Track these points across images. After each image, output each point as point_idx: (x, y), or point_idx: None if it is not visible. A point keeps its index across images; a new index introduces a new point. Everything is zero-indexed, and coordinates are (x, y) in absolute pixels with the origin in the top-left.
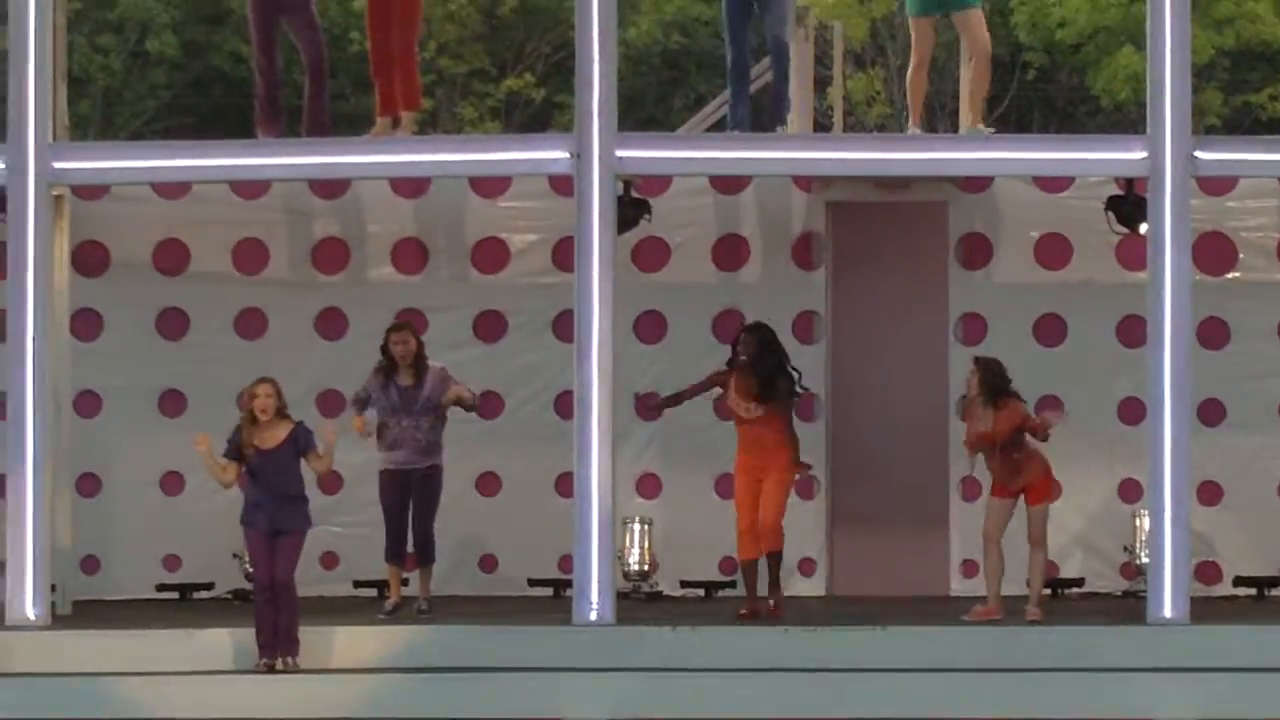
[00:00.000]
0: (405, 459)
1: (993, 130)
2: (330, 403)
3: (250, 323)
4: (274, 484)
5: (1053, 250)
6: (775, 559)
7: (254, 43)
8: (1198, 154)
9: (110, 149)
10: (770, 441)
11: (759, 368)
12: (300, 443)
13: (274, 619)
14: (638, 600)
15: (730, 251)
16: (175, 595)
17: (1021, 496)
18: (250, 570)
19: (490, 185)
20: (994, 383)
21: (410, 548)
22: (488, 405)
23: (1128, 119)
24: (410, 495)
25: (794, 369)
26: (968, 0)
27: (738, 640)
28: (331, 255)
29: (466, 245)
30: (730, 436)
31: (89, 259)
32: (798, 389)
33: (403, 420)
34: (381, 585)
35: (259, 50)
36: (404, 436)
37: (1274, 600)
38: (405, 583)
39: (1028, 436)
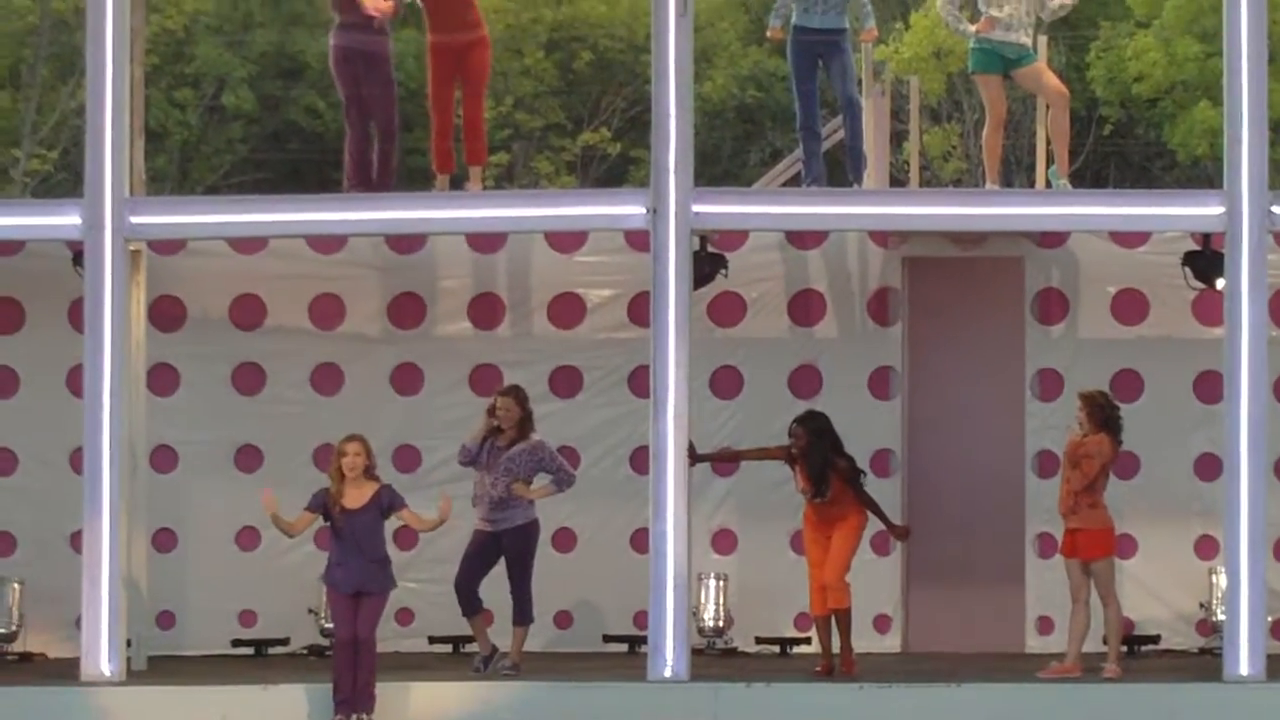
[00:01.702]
0: (483, 515)
1: (1068, 184)
2: (405, 458)
3: (326, 378)
4: (359, 546)
5: (1129, 305)
6: (843, 615)
7: (344, 100)
8: (1275, 209)
9: (187, 204)
10: (835, 515)
11: (810, 462)
12: (386, 504)
13: (352, 676)
14: (712, 656)
15: (806, 306)
16: (250, 650)
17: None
18: (326, 626)
19: (566, 240)
20: (1101, 414)
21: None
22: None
23: (1204, 174)
24: (486, 554)
25: (846, 457)
26: (1025, 56)
27: (812, 697)
28: (407, 310)
29: (542, 300)
30: None
31: (166, 314)
32: (860, 471)
33: (485, 478)
34: (457, 640)
35: (350, 106)
36: (483, 494)
37: None
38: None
39: (1102, 498)
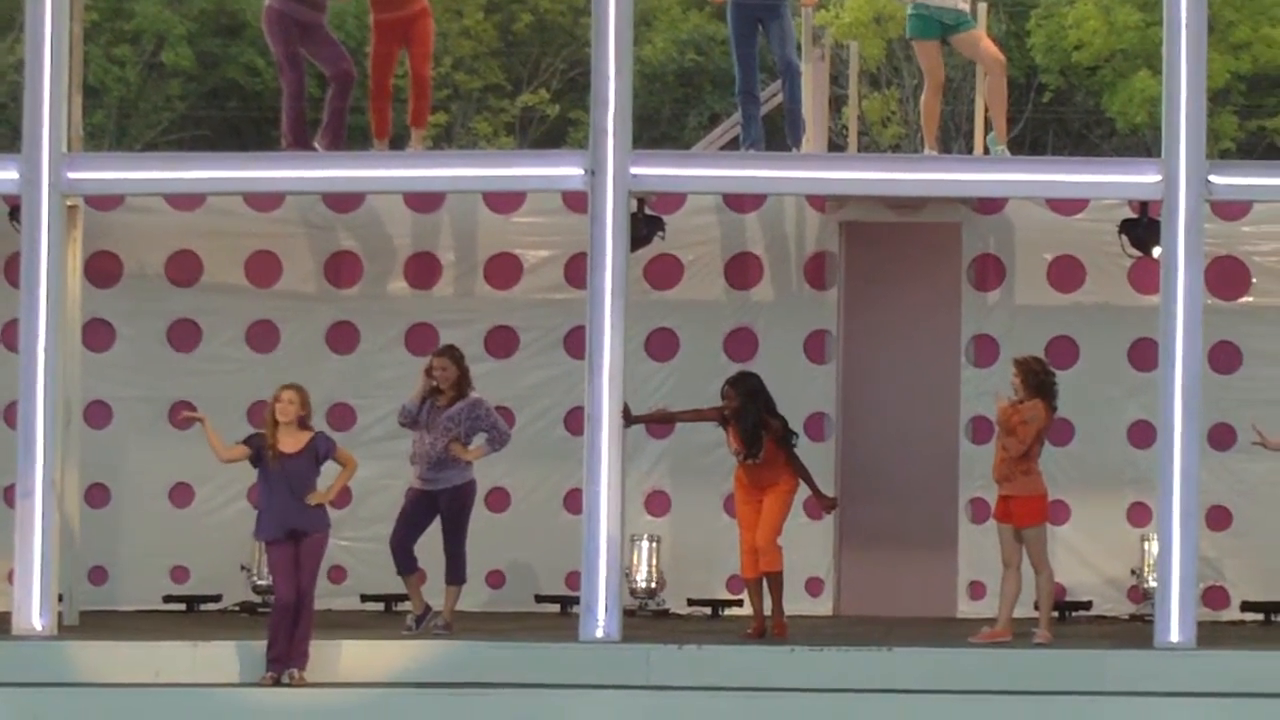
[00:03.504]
0: (422, 474)
1: (1006, 151)
2: (341, 416)
3: (262, 335)
4: (290, 488)
5: (1066, 273)
6: (774, 579)
7: (281, 66)
8: (1212, 178)
9: (124, 160)
10: (767, 479)
11: (741, 423)
12: (322, 451)
13: (289, 634)
14: (644, 617)
15: (742, 270)
16: (182, 607)
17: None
18: (259, 583)
19: (504, 201)
20: (1035, 379)
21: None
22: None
23: (1143, 142)
24: (422, 513)
25: (779, 417)
26: (962, 22)
27: (743, 659)
28: (345, 269)
29: (479, 260)
30: None
31: (102, 269)
32: (792, 432)
33: (425, 437)
34: (389, 599)
35: (285, 65)
36: (422, 453)
37: None
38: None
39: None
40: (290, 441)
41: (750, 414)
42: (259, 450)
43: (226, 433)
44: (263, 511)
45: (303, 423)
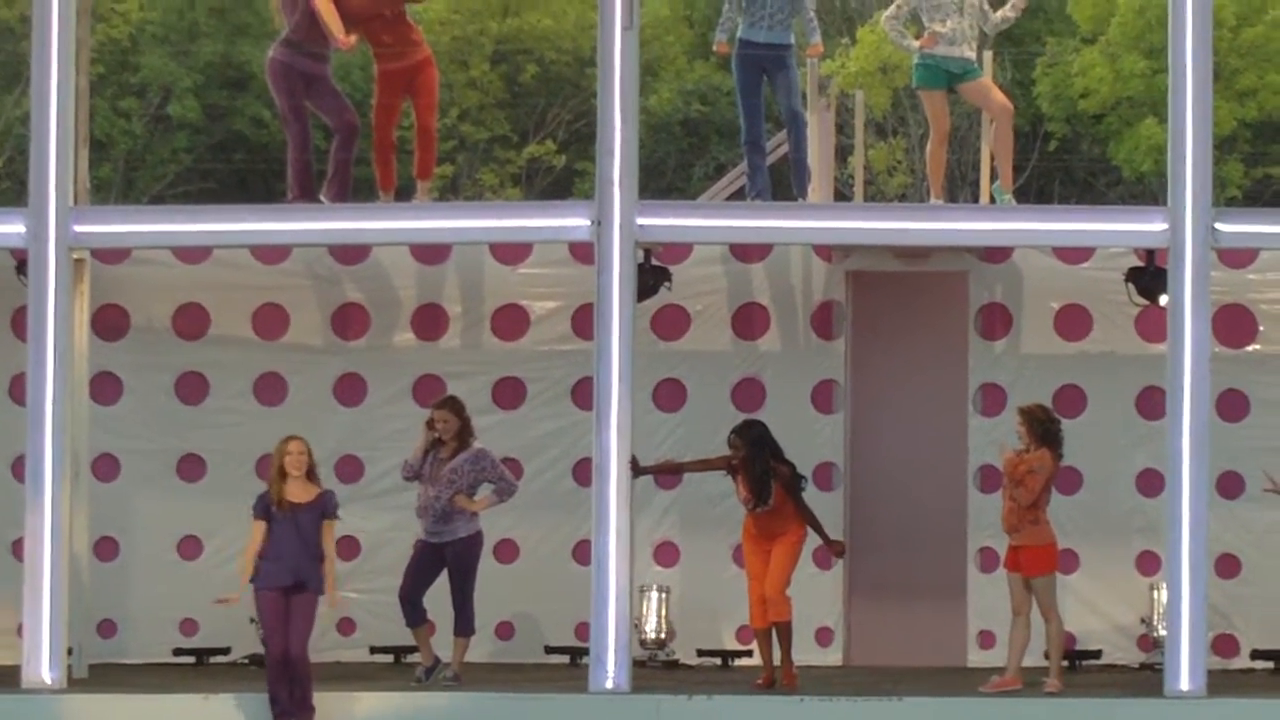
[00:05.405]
0: (428, 527)
1: (1012, 199)
2: (348, 468)
3: (270, 388)
4: (301, 537)
5: (1073, 321)
6: (784, 629)
7: (286, 118)
8: (1218, 226)
9: (131, 213)
10: (776, 528)
11: (750, 471)
12: (330, 507)
13: (288, 689)
14: (654, 668)
15: (749, 320)
16: (191, 659)
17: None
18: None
19: (510, 252)
20: (1041, 428)
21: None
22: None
23: (1149, 190)
24: (430, 565)
25: (787, 463)
26: (969, 71)
27: (753, 709)
28: (352, 321)
29: (486, 312)
30: None
31: (109, 322)
32: (801, 477)
33: (429, 490)
34: (399, 651)
35: (290, 117)
36: (426, 505)
37: None
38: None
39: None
40: (300, 492)
41: (758, 461)
42: (267, 509)
43: (234, 486)
44: (268, 561)
45: (310, 474)
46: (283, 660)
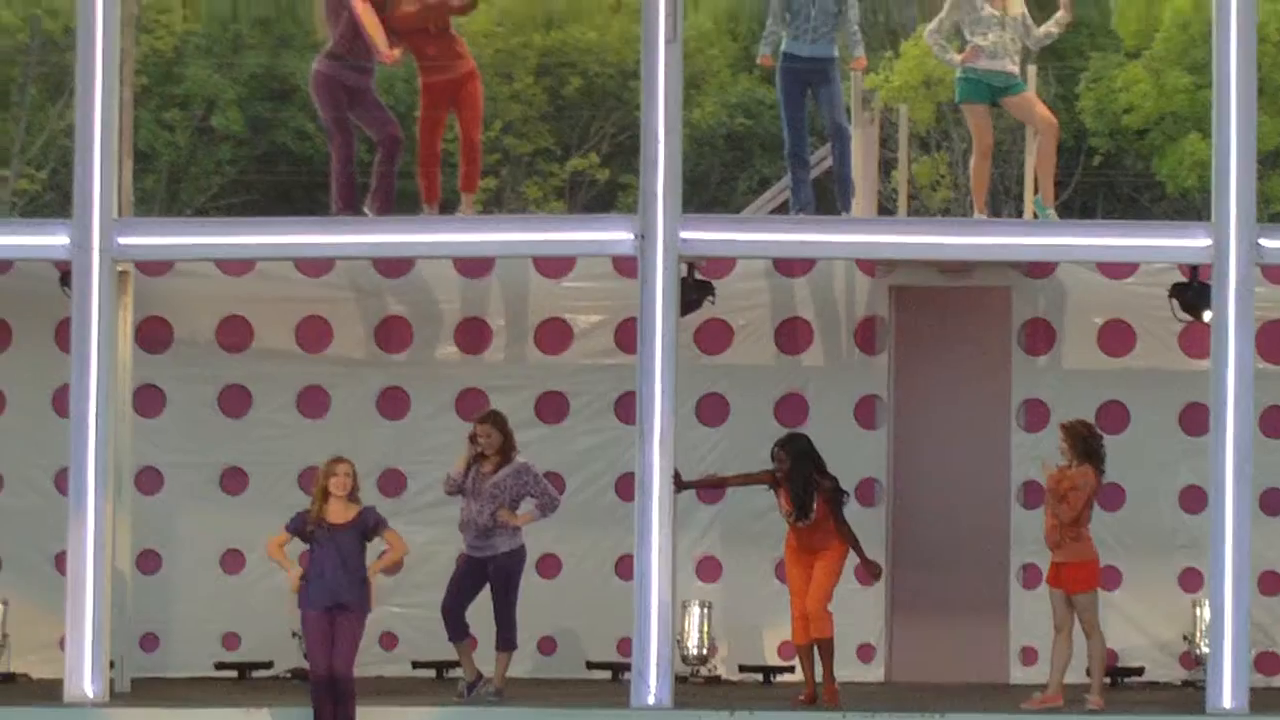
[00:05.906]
0: (470, 541)
1: (1055, 214)
2: (391, 482)
3: (313, 401)
4: (341, 559)
5: (1116, 337)
6: (825, 645)
7: (330, 131)
8: (1262, 241)
9: (175, 225)
10: (818, 543)
11: (793, 484)
12: (371, 524)
13: (331, 708)
14: (696, 684)
15: (792, 334)
16: (234, 673)
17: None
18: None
19: (554, 265)
20: (1083, 444)
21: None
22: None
23: (1192, 206)
24: (473, 579)
25: (830, 477)
26: (1013, 85)
27: None
28: (395, 334)
29: (529, 325)
30: None
31: (152, 335)
32: (843, 491)
33: (471, 505)
34: (440, 666)
35: (334, 129)
36: (469, 520)
37: None
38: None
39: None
40: (341, 513)
41: (801, 474)
42: (301, 529)
43: (277, 499)
44: (310, 581)
45: (352, 495)
46: (326, 679)
